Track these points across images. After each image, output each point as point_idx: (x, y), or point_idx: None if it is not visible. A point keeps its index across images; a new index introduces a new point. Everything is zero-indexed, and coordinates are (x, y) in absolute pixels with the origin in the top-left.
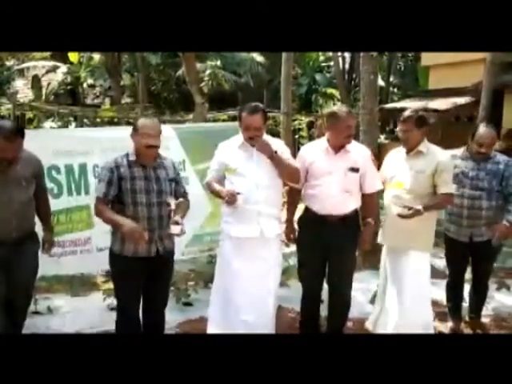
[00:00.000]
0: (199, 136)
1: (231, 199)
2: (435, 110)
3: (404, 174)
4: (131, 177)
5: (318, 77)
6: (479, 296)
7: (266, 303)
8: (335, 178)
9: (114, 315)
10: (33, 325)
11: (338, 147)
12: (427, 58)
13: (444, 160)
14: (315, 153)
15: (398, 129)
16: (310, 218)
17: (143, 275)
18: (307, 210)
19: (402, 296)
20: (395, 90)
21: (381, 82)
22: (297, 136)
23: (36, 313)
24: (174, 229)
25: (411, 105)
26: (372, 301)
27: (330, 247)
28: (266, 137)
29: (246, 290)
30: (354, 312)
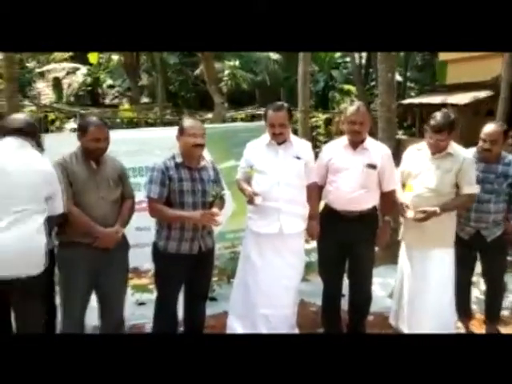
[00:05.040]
0: (221, 136)
1: (251, 200)
2: (454, 105)
3: (430, 174)
4: (179, 178)
5: (334, 73)
6: (494, 298)
7: (285, 298)
8: (352, 174)
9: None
10: None
11: (356, 144)
12: (445, 53)
13: (468, 160)
14: (335, 149)
15: (428, 136)
16: (329, 215)
17: (185, 272)
18: (326, 206)
19: (425, 293)
20: (413, 84)
21: (398, 78)
22: (314, 133)
23: None
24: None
25: (429, 100)
26: (391, 295)
27: (347, 244)
28: (294, 137)
29: (265, 284)
30: (374, 306)
